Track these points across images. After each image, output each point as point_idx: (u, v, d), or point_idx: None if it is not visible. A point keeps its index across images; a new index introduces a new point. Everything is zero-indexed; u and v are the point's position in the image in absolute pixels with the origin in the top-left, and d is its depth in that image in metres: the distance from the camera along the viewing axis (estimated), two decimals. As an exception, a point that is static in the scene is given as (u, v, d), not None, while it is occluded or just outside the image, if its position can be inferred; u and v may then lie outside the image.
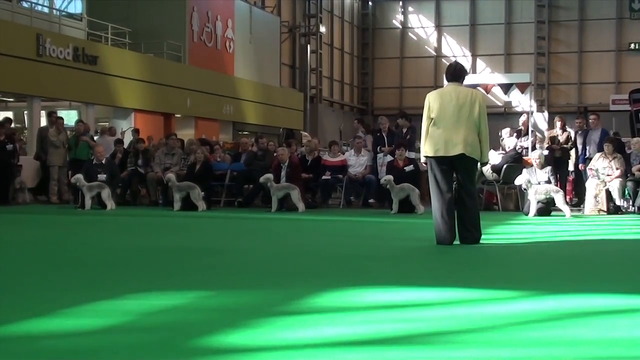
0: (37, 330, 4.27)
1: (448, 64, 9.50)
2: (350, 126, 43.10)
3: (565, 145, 18.07)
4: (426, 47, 47.74)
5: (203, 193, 16.17)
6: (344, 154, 18.95)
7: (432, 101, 8.86)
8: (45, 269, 7.01)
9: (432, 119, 8.83)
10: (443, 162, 8.84)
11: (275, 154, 17.90)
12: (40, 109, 23.49)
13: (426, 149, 8.90)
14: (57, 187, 19.10)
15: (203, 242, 9.74)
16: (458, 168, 8.91)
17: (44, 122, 22.50)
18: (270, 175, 16.02)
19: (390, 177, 15.49)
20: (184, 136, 22.70)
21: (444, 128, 8.78)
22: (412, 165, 16.47)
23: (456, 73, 9.07)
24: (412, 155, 17.48)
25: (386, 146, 18.16)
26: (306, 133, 33.57)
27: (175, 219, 14.23)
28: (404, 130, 18.40)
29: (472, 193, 9.13)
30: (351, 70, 47.91)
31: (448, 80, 9.07)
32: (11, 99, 25.75)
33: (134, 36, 28.17)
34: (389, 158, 17.53)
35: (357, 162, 18.09)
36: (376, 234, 11.44)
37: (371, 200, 17.90)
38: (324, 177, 17.73)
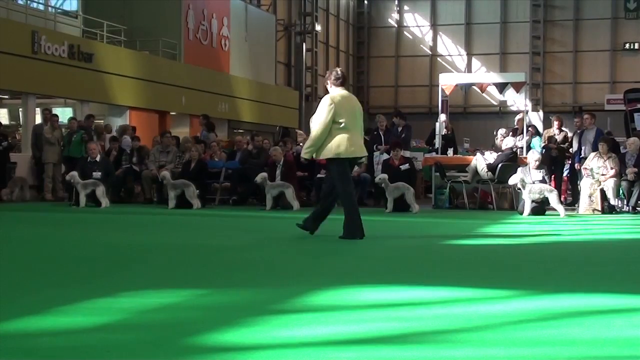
0: (32, 327, 4.26)
1: (334, 70, 9.96)
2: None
3: (562, 145, 18.08)
4: (422, 46, 47.71)
5: (198, 191, 16.16)
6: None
7: (338, 105, 9.39)
8: (40, 267, 7.01)
9: (340, 122, 9.35)
10: (349, 162, 9.60)
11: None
12: (35, 106, 23.44)
13: (339, 149, 9.37)
14: (51, 184, 19.07)
15: (197, 240, 9.74)
16: (351, 168, 9.84)
17: (39, 119, 22.46)
18: (265, 174, 16.02)
19: (385, 175, 15.50)
20: (179, 134, 22.67)
21: (353, 132, 9.49)
22: (407, 164, 16.48)
23: (345, 80, 9.76)
24: (407, 154, 17.51)
25: (383, 144, 18.18)
26: (301, 131, 33.56)
27: (170, 216, 14.21)
28: (399, 128, 18.41)
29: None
30: (347, 68, 47.81)
31: (337, 86, 9.60)
32: (6, 96, 25.69)
33: (129, 34, 28.11)
34: (385, 156, 17.54)
35: (352, 160, 18.07)
36: (371, 233, 11.43)
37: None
38: (319, 175, 17.72)
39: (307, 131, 34.57)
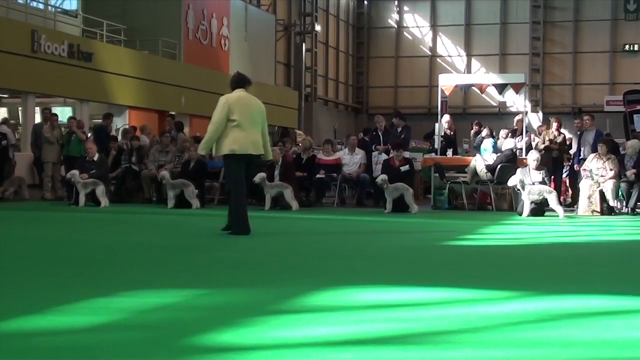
0: (31, 327, 4.26)
1: (234, 73, 10.65)
2: (344, 124, 43.18)
3: (564, 146, 18.08)
4: (421, 46, 47.74)
5: (197, 191, 16.15)
6: (335, 152, 18.88)
7: (232, 105, 9.91)
8: (39, 266, 7.00)
9: (233, 120, 9.85)
10: (243, 159, 9.96)
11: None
12: (35, 106, 23.44)
13: (234, 147, 9.86)
14: (51, 183, 19.06)
15: (196, 240, 9.74)
16: (251, 164, 10.24)
17: (38, 118, 22.45)
18: (263, 174, 16.00)
19: (385, 176, 15.48)
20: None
21: (247, 131, 9.95)
22: (407, 165, 16.47)
23: (242, 81, 10.25)
24: (407, 154, 17.52)
25: (382, 145, 18.16)
26: (301, 132, 33.55)
27: (169, 216, 14.21)
28: (399, 129, 18.41)
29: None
30: (346, 69, 47.89)
31: (234, 88, 10.18)
32: (5, 95, 25.70)
33: (129, 33, 28.13)
34: (384, 156, 17.53)
35: (351, 160, 18.07)
36: (369, 233, 11.45)
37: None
38: (318, 175, 17.72)
39: (306, 131, 34.65)
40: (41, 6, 26.00)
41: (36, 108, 23.40)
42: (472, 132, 20.85)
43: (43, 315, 4.58)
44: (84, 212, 14.78)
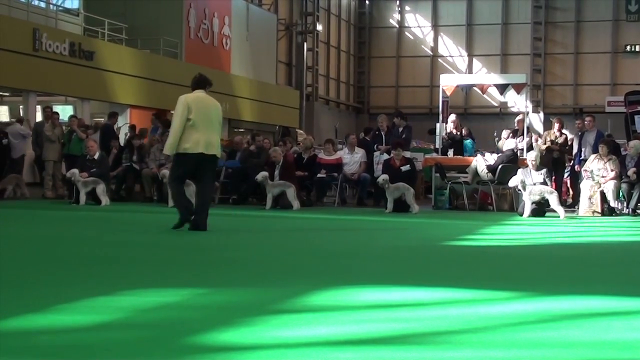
0: (32, 325, 4.26)
1: (195, 75, 10.76)
2: (345, 124, 43.17)
3: (566, 147, 18.08)
4: (423, 46, 47.74)
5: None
6: (336, 152, 18.87)
7: (190, 104, 10.10)
8: (40, 265, 7.00)
9: (189, 119, 10.01)
10: (195, 158, 10.07)
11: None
12: (36, 104, 23.45)
13: (186, 145, 10.03)
14: (52, 182, 19.07)
15: (197, 239, 9.73)
16: (207, 165, 10.24)
17: (39, 117, 22.46)
18: (266, 173, 16.02)
19: (386, 176, 15.48)
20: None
21: (202, 130, 10.09)
22: (408, 165, 16.47)
23: (202, 83, 10.43)
24: (408, 154, 17.51)
25: (384, 144, 18.15)
26: (302, 131, 33.56)
27: (170, 215, 14.19)
28: (400, 129, 18.40)
29: (212, 186, 11.35)
30: (347, 68, 47.89)
31: (194, 89, 10.39)
32: (7, 94, 25.71)
33: (130, 32, 28.14)
34: (386, 156, 17.53)
35: (351, 159, 18.07)
36: (370, 233, 11.45)
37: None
38: (319, 175, 17.72)
39: (307, 130, 34.65)
40: (43, 4, 26.01)
41: (37, 106, 23.40)
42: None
43: (43, 313, 4.58)
44: (84, 211, 14.78)
